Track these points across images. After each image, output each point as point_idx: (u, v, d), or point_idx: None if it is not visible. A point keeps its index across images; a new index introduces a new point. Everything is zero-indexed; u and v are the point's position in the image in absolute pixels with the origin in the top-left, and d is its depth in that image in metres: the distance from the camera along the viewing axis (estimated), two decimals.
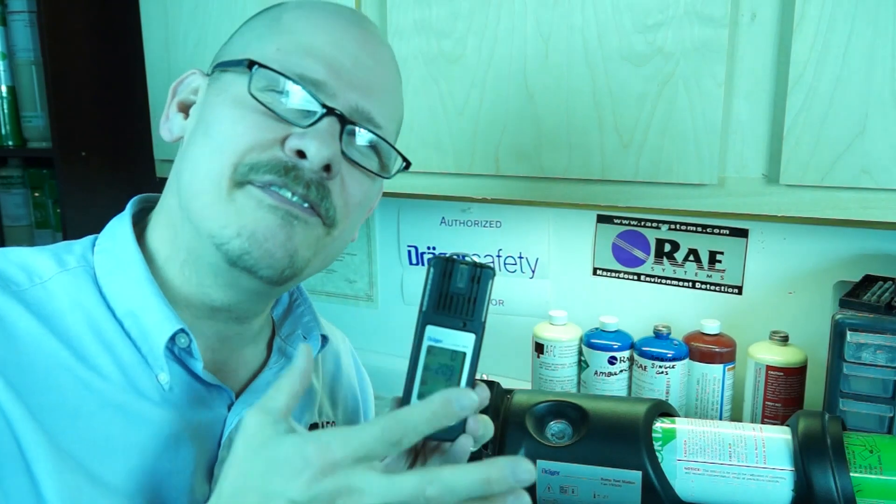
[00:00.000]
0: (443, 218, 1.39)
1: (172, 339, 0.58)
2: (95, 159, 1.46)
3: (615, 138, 0.92)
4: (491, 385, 0.88)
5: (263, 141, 0.57)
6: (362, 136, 0.61)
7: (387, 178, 0.66)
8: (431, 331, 0.52)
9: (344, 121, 0.58)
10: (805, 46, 0.81)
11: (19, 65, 1.45)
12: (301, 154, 0.57)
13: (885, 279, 0.98)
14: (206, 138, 0.59)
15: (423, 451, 0.58)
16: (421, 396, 0.52)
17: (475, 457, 0.51)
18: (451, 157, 1.02)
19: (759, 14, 0.84)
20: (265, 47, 0.60)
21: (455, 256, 0.53)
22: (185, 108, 0.65)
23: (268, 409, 0.47)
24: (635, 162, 0.91)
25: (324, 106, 0.57)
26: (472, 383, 0.52)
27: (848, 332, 0.88)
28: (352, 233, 0.65)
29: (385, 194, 1.16)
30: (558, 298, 1.33)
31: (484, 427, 0.53)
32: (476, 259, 0.53)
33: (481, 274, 0.52)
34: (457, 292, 0.52)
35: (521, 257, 1.35)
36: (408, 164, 0.66)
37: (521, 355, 1.29)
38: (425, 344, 0.52)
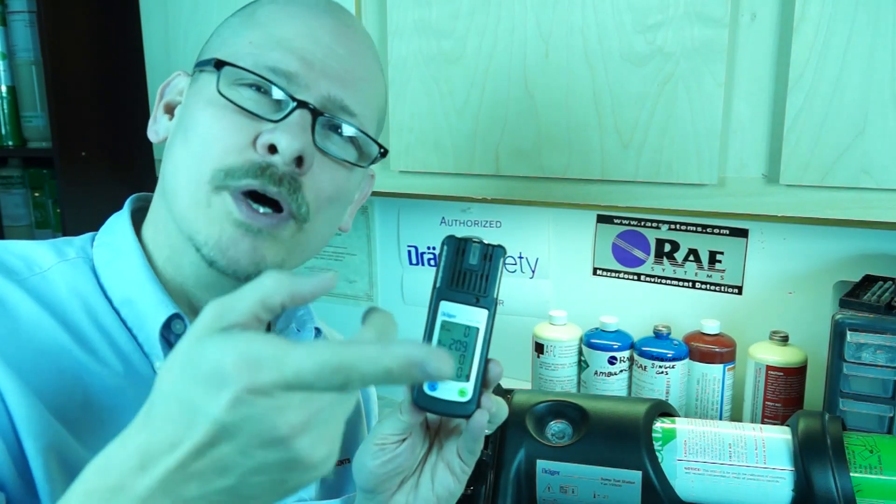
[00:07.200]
0: (443, 218, 1.39)
1: (168, 326, 0.59)
2: (95, 159, 1.46)
3: (615, 138, 0.92)
4: None
5: (237, 143, 0.57)
6: (336, 126, 0.61)
7: (363, 167, 0.64)
8: (445, 306, 0.53)
9: (315, 112, 0.58)
10: (805, 46, 0.81)
11: (19, 65, 1.45)
12: (273, 149, 0.56)
13: (885, 279, 0.98)
14: (185, 142, 0.59)
15: (440, 432, 0.57)
16: None
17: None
18: (451, 157, 1.02)
19: (759, 14, 0.84)
20: (238, 43, 0.60)
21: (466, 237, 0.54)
22: (171, 110, 0.65)
23: (224, 306, 0.38)
24: (635, 162, 0.91)
25: (294, 99, 0.57)
26: (485, 359, 0.52)
27: (848, 332, 0.88)
28: (329, 226, 0.64)
29: (385, 194, 1.18)
30: (558, 298, 1.33)
31: (497, 405, 0.53)
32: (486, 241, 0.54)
33: (493, 252, 0.53)
34: (470, 269, 0.53)
35: (521, 257, 1.35)
36: (384, 153, 0.65)
37: (521, 355, 1.29)
38: (439, 319, 0.52)
